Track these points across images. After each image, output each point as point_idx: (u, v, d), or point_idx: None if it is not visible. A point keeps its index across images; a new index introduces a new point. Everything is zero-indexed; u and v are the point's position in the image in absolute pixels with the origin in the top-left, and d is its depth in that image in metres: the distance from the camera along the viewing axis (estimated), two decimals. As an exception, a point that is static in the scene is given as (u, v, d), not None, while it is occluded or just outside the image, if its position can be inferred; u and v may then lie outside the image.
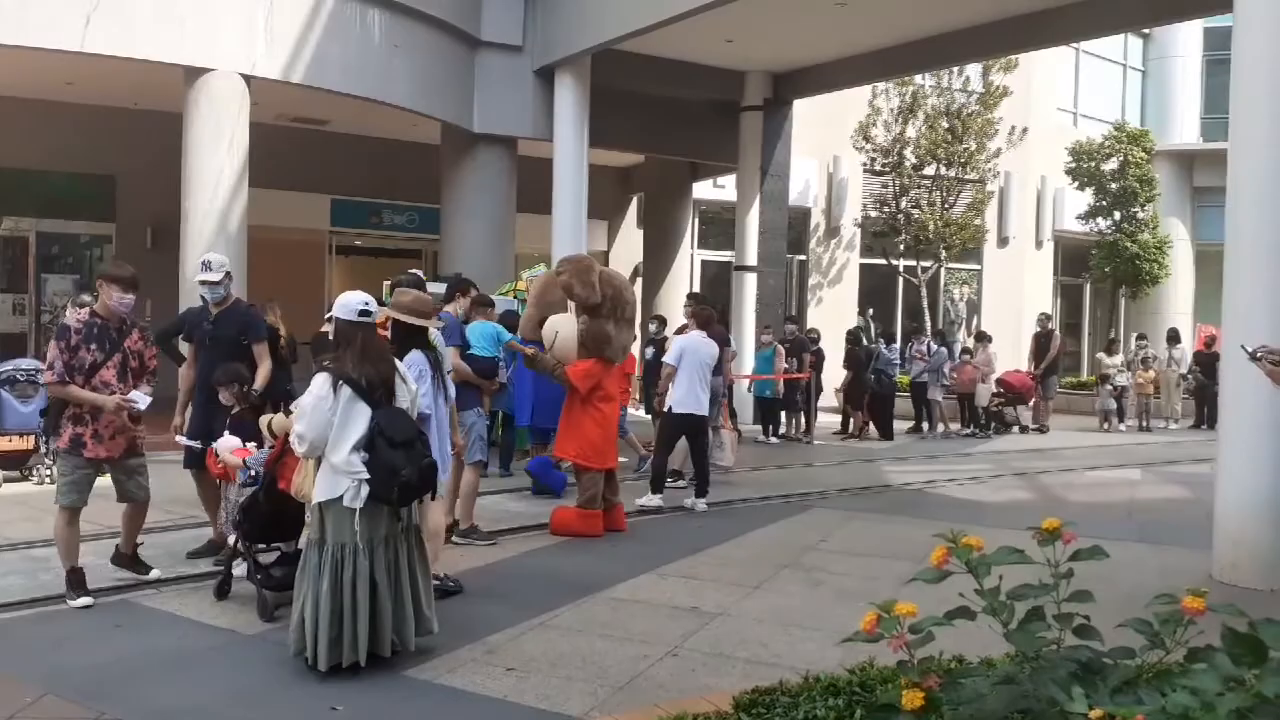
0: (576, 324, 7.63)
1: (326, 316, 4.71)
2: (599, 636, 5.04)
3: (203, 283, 6.40)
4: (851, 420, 14.79)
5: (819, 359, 14.56)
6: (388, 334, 5.31)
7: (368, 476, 4.32)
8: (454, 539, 7.10)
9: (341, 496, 4.33)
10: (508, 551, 6.98)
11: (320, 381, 4.39)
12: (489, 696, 4.21)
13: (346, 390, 4.35)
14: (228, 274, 6.47)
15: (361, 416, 4.37)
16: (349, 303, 4.54)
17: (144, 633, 4.98)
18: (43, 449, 8.74)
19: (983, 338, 16.19)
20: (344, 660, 4.32)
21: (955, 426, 15.37)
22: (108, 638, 4.88)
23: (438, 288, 11.87)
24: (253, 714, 4.03)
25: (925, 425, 15.23)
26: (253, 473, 5.58)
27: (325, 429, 4.33)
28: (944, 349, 15.17)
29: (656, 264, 18.54)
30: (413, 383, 4.78)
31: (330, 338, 4.67)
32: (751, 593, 5.95)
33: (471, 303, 8.03)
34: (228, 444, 5.92)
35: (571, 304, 7.73)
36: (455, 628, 5.05)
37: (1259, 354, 4.63)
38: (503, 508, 8.40)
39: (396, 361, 4.75)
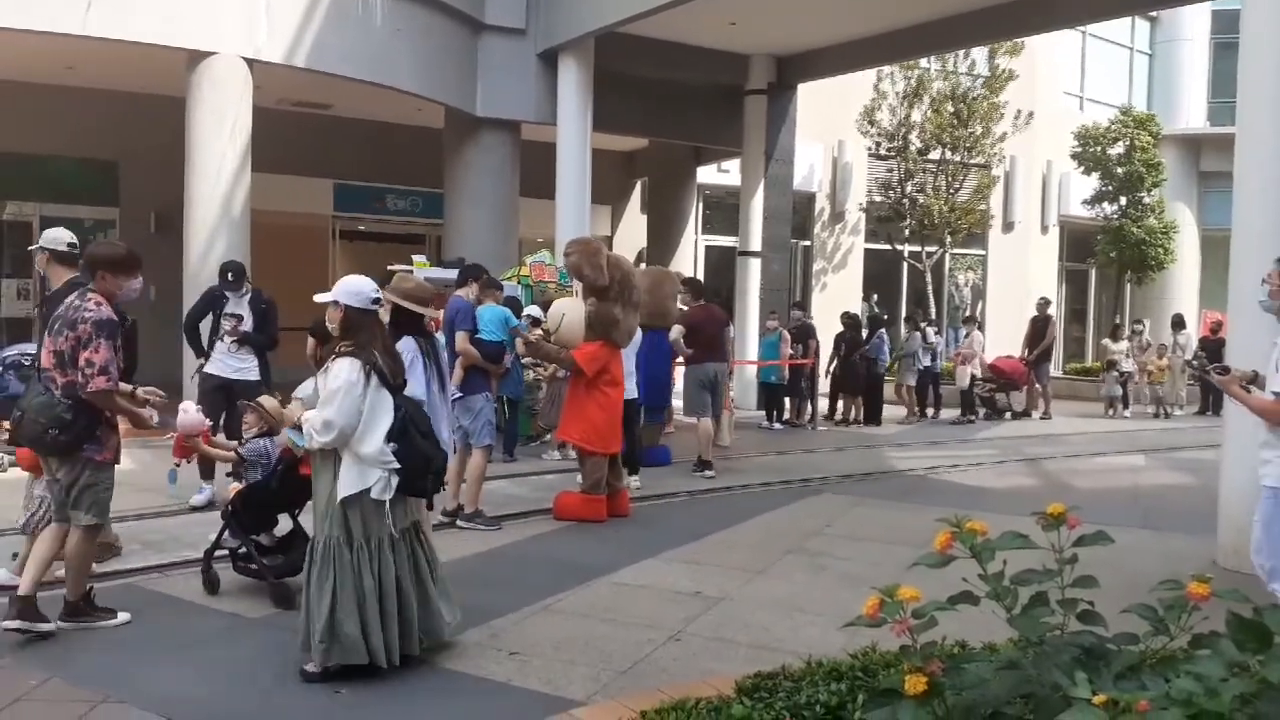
0: (584, 307, 7.61)
1: (333, 301, 4.38)
2: (602, 621, 5.05)
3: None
4: (841, 405, 14.74)
5: (816, 345, 14.55)
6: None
7: (399, 466, 4.19)
8: (458, 523, 7.12)
9: (369, 489, 4.17)
10: (512, 536, 7.00)
11: (350, 367, 4.16)
12: (492, 680, 4.22)
13: (375, 379, 4.19)
14: None
15: (388, 406, 4.22)
16: (362, 290, 4.32)
17: (149, 617, 4.98)
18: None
19: (970, 322, 16.18)
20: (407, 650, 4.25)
21: (950, 414, 15.37)
22: (112, 622, 4.89)
23: (438, 273, 11.93)
24: (257, 697, 4.04)
25: (930, 411, 15.26)
26: (271, 462, 5.53)
27: (356, 417, 4.13)
28: (916, 334, 15.11)
29: (660, 249, 18.49)
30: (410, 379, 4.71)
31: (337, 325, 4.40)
32: (755, 578, 5.96)
33: (480, 286, 8.06)
34: (193, 423, 5.62)
35: (579, 287, 7.73)
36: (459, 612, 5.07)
37: (1208, 370, 4.69)
38: (507, 492, 8.41)
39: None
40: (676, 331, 9.71)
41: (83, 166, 14.57)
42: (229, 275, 7.61)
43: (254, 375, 7.48)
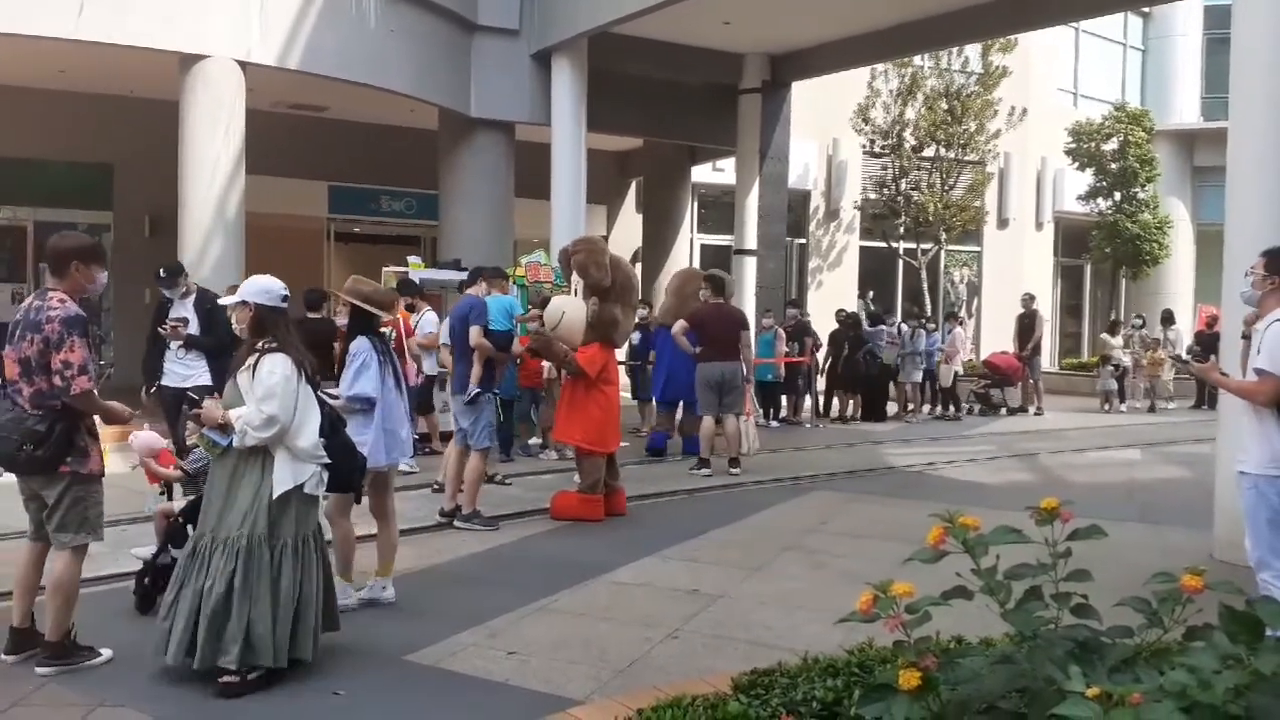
0: (586, 306, 7.60)
1: (240, 301, 4.30)
2: (600, 620, 5.05)
3: None
4: (836, 401, 14.74)
5: (816, 344, 14.57)
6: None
7: (329, 461, 4.24)
8: (456, 523, 7.13)
9: (303, 485, 4.16)
10: (509, 536, 7.00)
11: (285, 362, 4.15)
12: (491, 680, 4.23)
13: (303, 374, 4.20)
14: None
15: (314, 401, 4.25)
16: (271, 288, 4.28)
17: (144, 620, 4.97)
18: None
19: (952, 319, 16.21)
20: (299, 655, 4.17)
21: (928, 409, 15.38)
22: (108, 626, 4.86)
23: (433, 274, 11.93)
24: (255, 700, 4.03)
25: (927, 407, 15.28)
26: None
27: (292, 412, 4.12)
28: (921, 331, 15.10)
29: (656, 248, 18.50)
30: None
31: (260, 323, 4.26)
32: (752, 575, 5.97)
33: (485, 279, 8.17)
34: (146, 444, 5.38)
35: (578, 285, 7.73)
36: (456, 612, 5.08)
37: (1186, 360, 4.71)
38: (504, 493, 8.40)
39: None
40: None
41: (77, 170, 14.55)
42: (160, 273, 7.22)
43: (203, 380, 6.96)
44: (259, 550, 4.08)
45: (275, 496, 4.10)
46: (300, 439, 4.13)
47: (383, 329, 5.49)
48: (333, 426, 4.24)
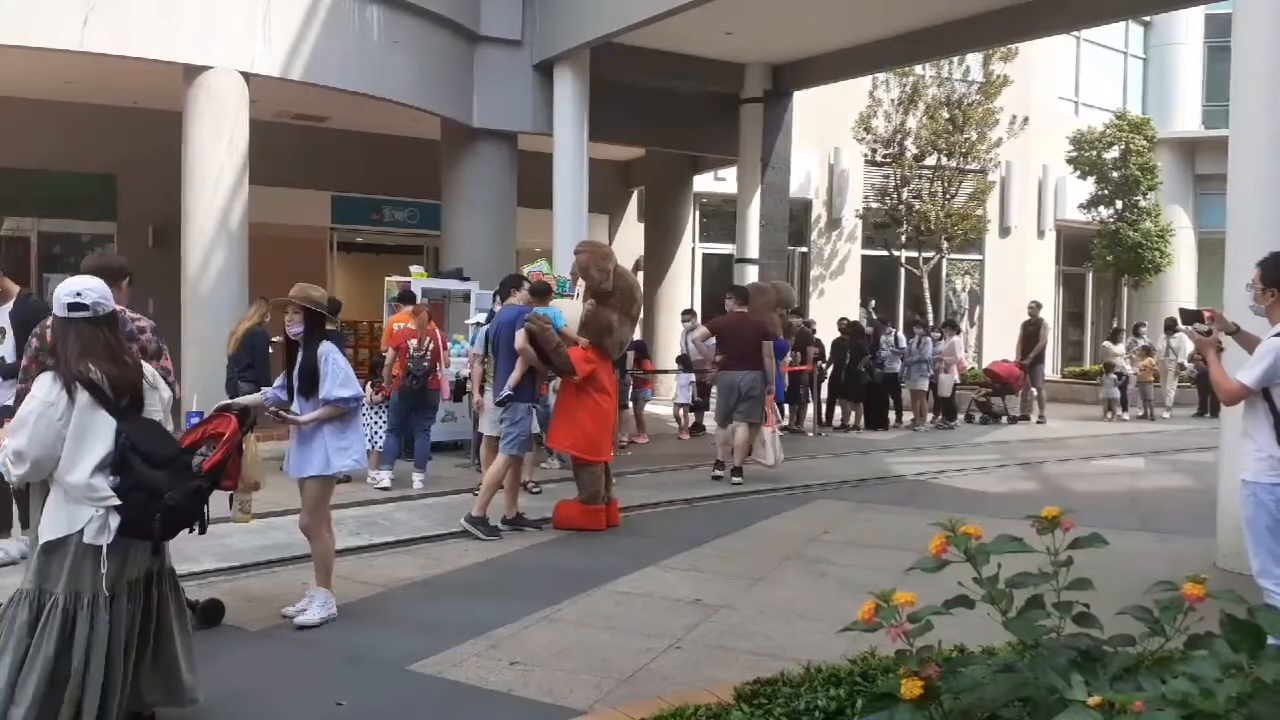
0: (582, 308, 7.63)
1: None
2: (603, 629, 5.05)
3: None
4: (840, 411, 14.73)
5: (820, 354, 14.57)
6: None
7: (118, 503, 3.42)
8: (462, 521, 7.17)
9: (81, 531, 3.38)
10: (511, 546, 6.99)
11: (46, 384, 3.41)
12: (493, 690, 4.22)
13: (84, 396, 3.40)
14: None
15: (104, 428, 3.44)
16: (59, 295, 3.53)
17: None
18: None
19: (949, 326, 16.23)
20: None
21: (930, 417, 15.36)
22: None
23: (436, 284, 11.94)
24: (257, 706, 4.04)
25: (929, 416, 15.27)
26: None
27: (55, 444, 3.36)
28: (928, 339, 15.09)
29: (658, 258, 18.53)
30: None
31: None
32: (755, 584, 5.96)
33: (530, 291, 8.20)
34: None
35: (580, 290, 7.75)
36: (459, 621, 5.08)
37: (1192, 326, 4.69)
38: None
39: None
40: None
41: (80, 181, 14.59)
42: None
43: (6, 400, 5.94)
44: (17, 610, 3.38)
45: (42, 543, 3.43)
46: (69, 475, 3.38)
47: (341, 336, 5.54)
48: (124, 461, 3.47)
